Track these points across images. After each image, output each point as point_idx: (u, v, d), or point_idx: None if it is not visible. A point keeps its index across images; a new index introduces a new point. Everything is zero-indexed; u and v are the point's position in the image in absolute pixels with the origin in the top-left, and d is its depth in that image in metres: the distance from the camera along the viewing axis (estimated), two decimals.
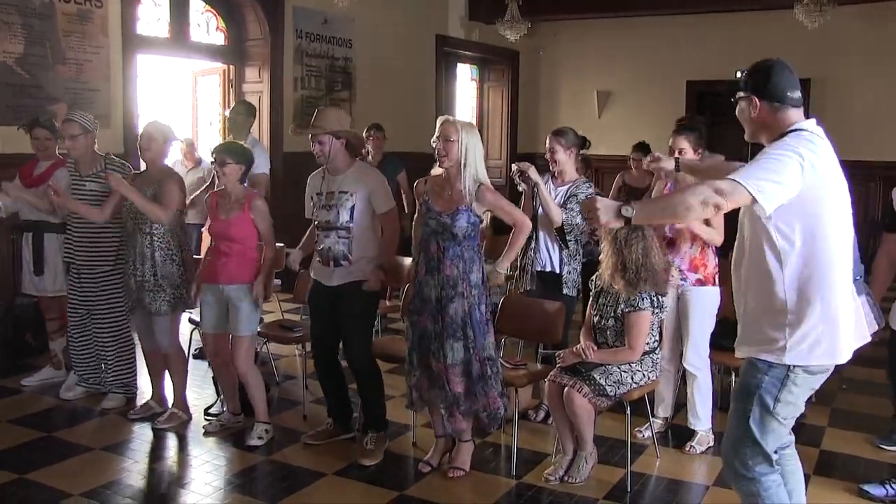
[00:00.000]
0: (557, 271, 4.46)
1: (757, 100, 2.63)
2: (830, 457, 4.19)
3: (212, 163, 4.26)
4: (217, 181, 4.31)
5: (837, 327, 2.58)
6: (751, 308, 2.69)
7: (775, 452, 2.70)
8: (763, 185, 2.42)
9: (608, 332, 3.90)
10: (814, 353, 2.57)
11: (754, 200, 2.43)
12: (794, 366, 2.58)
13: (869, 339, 2.72)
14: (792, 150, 2.47)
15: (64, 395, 4.93)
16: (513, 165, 4.48)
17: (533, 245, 4.50)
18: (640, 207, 2.53)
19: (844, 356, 2.62)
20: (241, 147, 4.39)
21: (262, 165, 6.27)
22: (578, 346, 3.89)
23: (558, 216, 4.36)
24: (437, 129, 3.78)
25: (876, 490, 3.70)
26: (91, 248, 4.70)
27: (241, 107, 6.25)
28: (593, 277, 4.07)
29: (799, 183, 2.45)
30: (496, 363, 3.86)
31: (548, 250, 4.49)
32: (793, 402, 2.64)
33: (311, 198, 4.16)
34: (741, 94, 2.68)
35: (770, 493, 2.68)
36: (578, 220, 4.39)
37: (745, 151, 10.62)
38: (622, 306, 3.83)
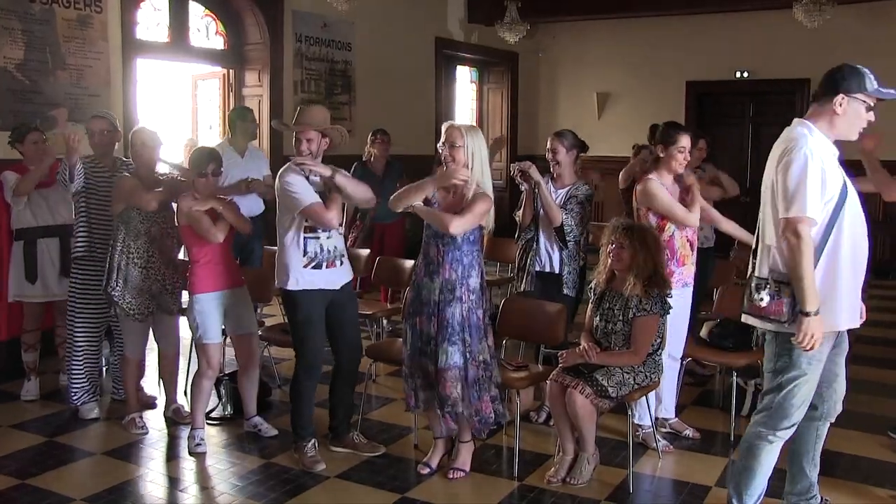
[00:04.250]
0: (557, 272, 4.47)
1: None
2: (831, 456, 4.18)
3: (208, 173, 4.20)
4: (198, 188, 4.19)
5: None
6: None
7: None
8: None
9: (616, 337, 3.86)
10: None
11: None
12: None
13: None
14: None
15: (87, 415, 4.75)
16: (513, 165, 4.50)
17: (533, 246, 4.52)
18: None
19: None
20: None
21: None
22: (581, 347, 3.88)
23: (558, 216, 4.37)
24: (442, 135, 3.78)
25: None
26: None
27: (250, 114, 6.23)
28: (592, 284, 4.06)
29: None
30: (491, 367, 3.84)
31: (548, 251, 4.50)
32: None
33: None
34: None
35: None
36: (577, 221, 4.40)
37: (745, 152, 10.66)
38: (633, 311, 3.80)
